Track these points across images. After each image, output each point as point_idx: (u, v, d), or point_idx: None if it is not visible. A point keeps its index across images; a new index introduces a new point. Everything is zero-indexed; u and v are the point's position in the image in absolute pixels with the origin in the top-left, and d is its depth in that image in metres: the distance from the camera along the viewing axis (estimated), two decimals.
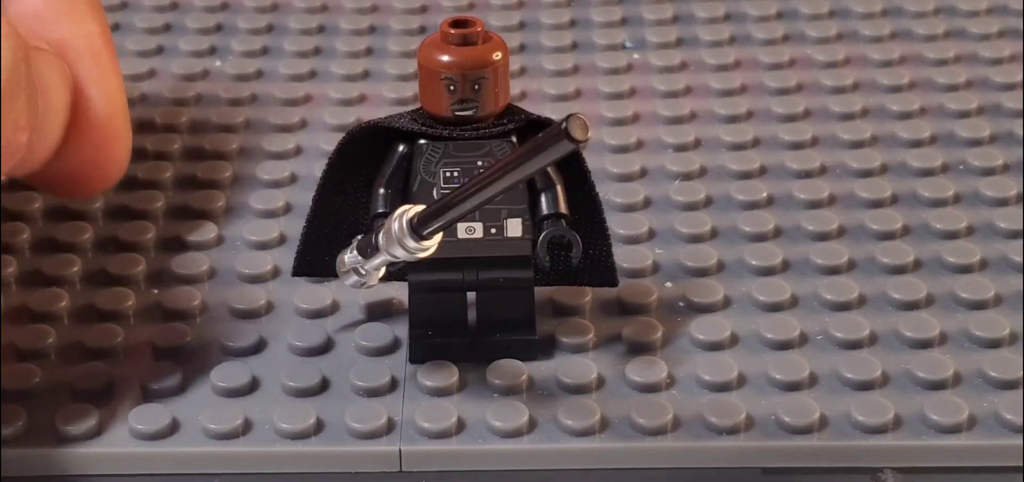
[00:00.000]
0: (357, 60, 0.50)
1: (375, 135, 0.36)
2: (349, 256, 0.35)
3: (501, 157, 0.35)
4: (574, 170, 0.36)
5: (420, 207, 0.32)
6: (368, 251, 0.34)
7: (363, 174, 0.37)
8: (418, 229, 0.32)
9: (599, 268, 0.37)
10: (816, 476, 0.34)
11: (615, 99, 0.48)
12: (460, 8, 0.54)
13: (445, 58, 0.34)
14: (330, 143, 0.44)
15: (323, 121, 0.47)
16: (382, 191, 0.36)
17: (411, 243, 0.32)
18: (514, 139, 0.35)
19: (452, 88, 0.34)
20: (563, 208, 0.35)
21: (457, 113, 0.35)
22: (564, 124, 0.27)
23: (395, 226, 0.32)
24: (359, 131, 0.36)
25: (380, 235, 0.33)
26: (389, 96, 0.48)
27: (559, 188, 0.36)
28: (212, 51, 0.51)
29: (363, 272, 0.34)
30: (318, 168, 0.38)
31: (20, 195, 0.42)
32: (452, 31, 0.35)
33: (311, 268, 0.38)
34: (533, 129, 0.35)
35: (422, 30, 0.52)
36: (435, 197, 0.34)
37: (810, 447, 0.34)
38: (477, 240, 0.35)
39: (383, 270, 0.34)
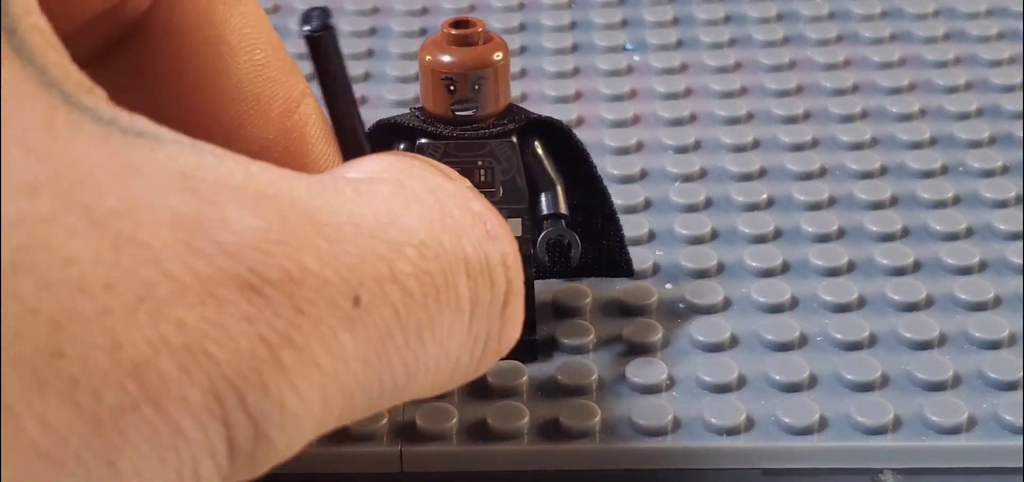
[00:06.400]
0: (358, 62, 0.50)
1: (376, 133, 0.36)
2: None
3: (501, 157, 0.35)
4: (581, 168, 0.36)
5: None
6: None
7: None
8: None
9: (614, 259, 0.38)
10: (816, 477, 0.34)
11: (615, 101, 0.48)
12: (461, 9, 0.54)
13: (445, 58, 0.35)
14: None
15: None
16: None
17: None
18: (514, 139, 0.35)
19: (452, 88, 0.35)
20: (563, 208, 0.36)
21: (457, 113, 0.35)
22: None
23: None
24: None
25: None
26: (390, 97, 0.48)
27: (559, 188, 0.36)
28: None
29: None
30: None
31: None
32: (453, 31, 0.35)
33: None
34: (533, 128, 0.35)
35: (423, 32, 0.52)
36: None
37: (810, 448, 0.34)
38: None
39: None
